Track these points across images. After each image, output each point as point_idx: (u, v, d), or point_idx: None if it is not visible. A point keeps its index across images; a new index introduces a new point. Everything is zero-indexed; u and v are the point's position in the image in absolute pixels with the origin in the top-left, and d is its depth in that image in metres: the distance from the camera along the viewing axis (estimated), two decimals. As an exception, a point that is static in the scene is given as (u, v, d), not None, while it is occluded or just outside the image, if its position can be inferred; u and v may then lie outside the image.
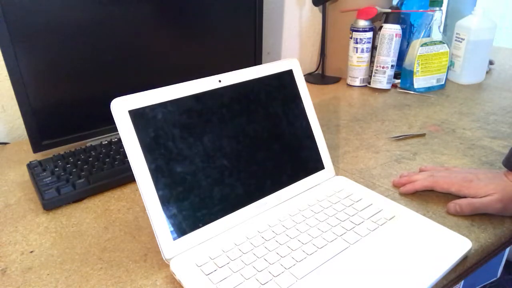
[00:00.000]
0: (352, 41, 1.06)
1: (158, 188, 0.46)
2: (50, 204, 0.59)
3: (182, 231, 0.47)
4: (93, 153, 0.69)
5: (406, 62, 1.04)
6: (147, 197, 0.46)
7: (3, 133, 0.85)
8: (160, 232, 0.46)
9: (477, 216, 0.54)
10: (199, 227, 0.49)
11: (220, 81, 0.53)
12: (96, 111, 0.73)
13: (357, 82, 1.09)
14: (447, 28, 1.19)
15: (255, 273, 0.44)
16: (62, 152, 0.69)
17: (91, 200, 0.61)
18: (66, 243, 0.52)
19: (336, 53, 1.15)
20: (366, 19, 1.03)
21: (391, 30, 1.00)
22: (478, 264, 0.50)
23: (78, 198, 0.61)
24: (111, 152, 0.69)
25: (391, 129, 0.83)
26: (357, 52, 1.06)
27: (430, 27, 1.01)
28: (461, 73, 1.08)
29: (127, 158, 0.65)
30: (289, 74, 0.59)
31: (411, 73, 1.02)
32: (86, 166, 0.65)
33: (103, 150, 0.69)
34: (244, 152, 0.53)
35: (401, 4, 1.10)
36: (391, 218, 0.52)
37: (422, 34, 1.01)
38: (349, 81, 1.11)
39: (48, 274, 0.47)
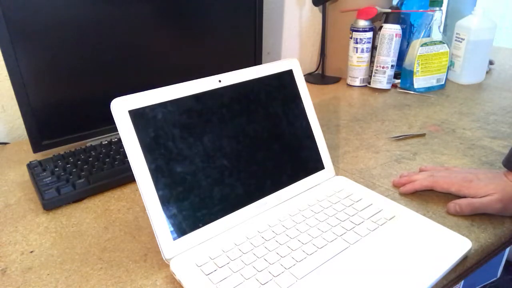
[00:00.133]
0: (352, 41, 1.06)
1: (158, 188, 0.46)
2: (50, 204, 0.59)
3: (182, 231, 0.47)
4: (93, 153, 0.69)
5: (406, 62, 1.04)
6: (147, 197, 0.46)
7: (3, 133, 0.85)
8: (160, 232, 0.46)
9: (477, 216, 0.54)
10: (199, 227, 0.49)
11: (220, 81, 0.53)
12: (96, 111, 0.73)
13: (357, 82, 1.09)
14: (447, 28, 1.19)
15: (255, 273, 0.44)
16: (62, 152, 0.69)
17: (91, 200, 0.61)
18: (66, 243, 0.52)
19: (336, 53, 1.15)
20: (366, 19, 1.03)
21: (391, 30, 1.00)
22: (478, 264, 0.50)
23: (78, 198, 0.61)
24: (111, 152, 0.69)
25: (391, 129, 0.83)
26: (357, 52, 1.06)
27: (430, 27, 1.01)
28: (461, 73, 1.08)
29: (127, 158, 0.65)
30: (289, 74, 0.59)
31: (411, 73, 1.02)
32: (86, 166, 0.65)
33: (103, 150, 0.69)
34: (244, 152, 0.53)
35: (401, 4, 1.10)
36: (391, 218, 0.52)
37: (422, 34, 1.01)
38: (349, 81, 1.11)
39: (48, 274, 0.47)
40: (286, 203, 0.56)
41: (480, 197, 0.54)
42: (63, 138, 0.72)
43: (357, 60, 1.07)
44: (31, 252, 0.51)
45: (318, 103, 0.98)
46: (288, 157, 0.57)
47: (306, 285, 0.43)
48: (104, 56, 0.71)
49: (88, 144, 0.72)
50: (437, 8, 0.98)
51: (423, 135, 0.79)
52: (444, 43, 1.01)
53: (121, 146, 0.71)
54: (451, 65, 1.09)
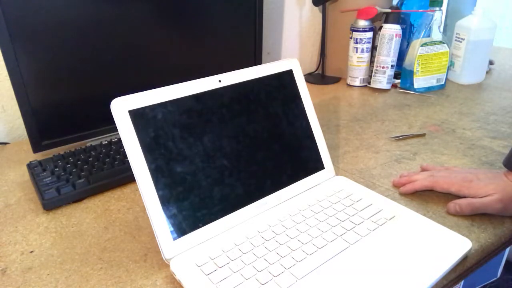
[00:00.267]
0: (352, 41, 1.06)
1: (158, 188, 0.46)
2: (50, 204, 0.59)
3: (182, 231, 0.47)
4: (93, 153, 0.69)
5: (406, 62, 1.04)
6: (147, 197, 0.46)
7: (3, 133, 0.85)
8: (160, 232, 0.46)
9: (477, 216, 0.54)
10: (199, 227, 0.49)
11: (220, 81, 0.53)
12: (96, 111, 0.73)
13: (357, 82, 1.09)
14: (447, 28, 1.19)
15: (255, 273, 0.44)
16: (62, 152, 0.69)
17: (91, 200, 0.61)
18: (66, 243, 0.52)
19: (336, 53, 1.15)
20: (366, 19, 1.03)
21: (391, 30, 1.00)
22: (478, 264, 0.50)
23: (78, 198, 0.61)
24: (111, 152, 0.69)
25: (391, 129, 0.83)
26: (357, 52, 1.06)
27: (430, 27, 1.01)
28: (461, 73, 1.08)
29: (127, 158, 0.65)
30: (289, 74, 0.59)
31: (411, 73, 1.02)
32: (86, 166, 0.65)
33: (103, 150, 0.69)
34: (244, 152, 0.53)
35: (401, 4, 1.10)
36: (391, 218, 0.52)
37: (422, 34, 1.01)
38: (349, 81, 1.11)
39: (48, 274, 0.47)
40: (286, 203, 0.56)
41: (480, 197, 0.54)
42: (63, 138, 0.72)
43: (357, 60, 1.07)
44: (31, 252, 0.51)
45: (318, 103, 0.98)
46: (288, 157, 0.57)
47: (306, 285, 0.43)
48: (104, 56, 0.71)
49: (88, 144, 0.72)
50: (437, 8, 0.98)
51: (423, 135, 0.79)
52: (444, 43, 1.01)
53: (121, 146, 0.71)
54: (451, 65, 1.09)
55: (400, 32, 1.01)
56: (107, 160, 0.66)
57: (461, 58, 1.06)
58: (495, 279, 1.24)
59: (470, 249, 0.48)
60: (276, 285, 0.43)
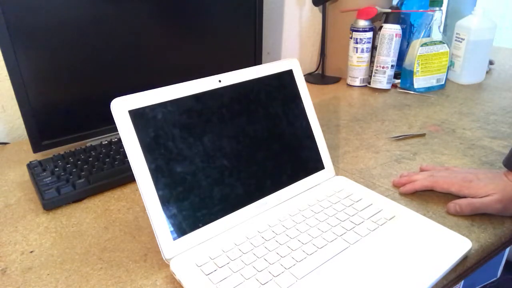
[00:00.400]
0: (352, 41, 1.06)
1: (158, 188, 0.46)
2: (50, 204, 0.59)
3: (182, 231, 0.47)
4: (93, 153, 0.69)
5: (406, 62, 1.04)
6: (147, 197, 0.46)
7: (3, 133, 0.85)
8: (160, 232, 0.46)
9: (477, 216, 0.54)
10: (199, 227, 0.49)
11: (220, 81, 0.53)
12: (96, 111, 0.73)
13: (357, 82, 1.09)
14: (447, 28, 1.19)
15: (255, 273, 0.44)
16: (62, 152, 0.69)
17: (91, 200, 0.61)
18: (66, 243, 0.52)
19: (336, 53, 1.15)
20: (366, 19, 1.03)
21: (391, 30, 1.00)
22: (478, 264, 0.50)
23: (78, 198, 0.61)
24: (111, 152, 0.69)
25: (391, 129, 0.83)
26: (357, 52, 1.06)
27: (430, 27, 1.01)
28: (461, 73, 1.08)
29: (127, 158, 0.65)
30: (289, 74, 0.59)
31: (411, 73, 1.02)
32: (86, 166, 0.65)
33: (103, 150, 0.69)
34: (244, 152, 0.53)
35: (401, 4, 1.10)
36: (391, 218, 0.52)
37: (422, 34, 1.01)
38: (349, 81, 1.11)
39: (48, 274, 0.47)
40: (286, 203, 0.56)
41: (480, 197, 0.54)
42: (63, 138, 0.72)
43: (357, 60, 1.07)
44: (31, 252, 0.51)
45: (318, 103, 0.98)
46: (288, 157, 0.57)
47: (306, 285, 0.43)
48: (104, 56, 0.71)
49: (88, 144, 0.72)
50: (437, 8, 0.98)
51: (423, 135, 0.79)
52: (444, 43, 1.01)
53: (121, 146, 0.71)
54: (451, 65, 1.09)
55: (400, 32, 1.01)
56: (107, 160, 0.66)
57: (461, 58, 1.06)
58: (495, 279, 1.24)
59: (470, 249, 0.48)
60: (276, 285, 0.43)
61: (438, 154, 0.72)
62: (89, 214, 0.58)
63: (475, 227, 0.53)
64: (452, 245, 0.48)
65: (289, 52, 1.21)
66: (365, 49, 1.05)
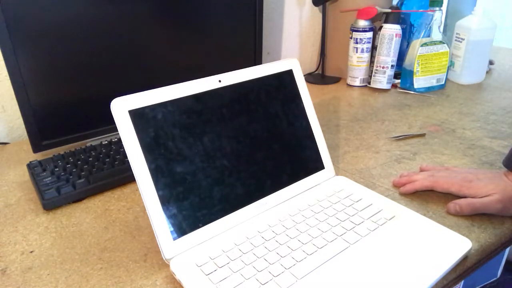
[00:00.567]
0: (352, 41, 1.06)
1: (158, 188, 0.46)
2: (50, 204, 0.59)
3: (182, 231, 0.47)
4: (93, 153, 0.69)
5: (406, 62, 1.04)
6: (147, 197, 0.46)
7: (3, 133, 0.85)
8: (160, 232, 0.46)
9: (477, 216, 0.54)
10: (199, 227, 0.49)
11: (220, 81, 0.53)
12: (96, 111, 0.73)
13: (357, 82, 1.09)
14: (447, 28, 1.19)
15: (255, 273, 0.44)
16: (62, 152, 0.69)
17: (91, 200, 0.61)
18: (66, 243, 0.52)
19: (336, 53, 1.15)
20: (366, 19, 1.03)
21: (391, 30, 1.00)
22: (478, 264, 0.50)
23: (78, 198, 0.61)
24: (111, 152, 0.69)
25: (391, 129, 0.83)
26: (357, 52, 1.06)
27: (430, 27, 1.01)
28: (461, 73, 1.08)
29: (127, 158, 0.65)
30: (289, 74, 0.59)
31: (411, 73, 1.02)
32: (86, 166, 0.65)
33: (103, 150, 0.69)
34: (244, 152, 0.53)
35: (401, 4, 1.10)
36: (391, 218, 0.52)
37: (422, 34, 1.01)
38: (349, 81, 1.11)
39: (48, 274, 0.47)
40: (286, 203, 0.56)
41: (480, 197, 0.54)
42: (63, 138, 0.72)
43: (357, 60, 1.07)
44: (31, 252, 0.51)
45: (318, 103, 0.98)
46: (288, 157, 0.57)
47: (306, 285, 0.43)
48: (104, 56, 0.71)
49: (88, 144, 0.72)
50: (437, 8, 0.98)
51: (423, 135, 0.79)
52: (444, 43, 1.01)
53: (121, 146, 0.71)
54: (451, 65, 1.09)
55: (400, 32, 1.01)
56: (107, 160, 0.66)
57: (461, 58, 1.06)
58: (495, 279, 1.24)
59: (470, 249, 0.48)
60: (276, 285, 0.43)
61: (438, 154, 0.72)
62: (89, 214, 0.58)
63: (475, 227, 0.53)
64: (452, 245, 0.48)
65: (289, 52, 1.21)
66: (365, 49, 1.05)
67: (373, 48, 1.05)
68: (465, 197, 0.55)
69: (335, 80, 1.15)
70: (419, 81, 1.03)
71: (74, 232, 0.55)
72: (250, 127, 0.54)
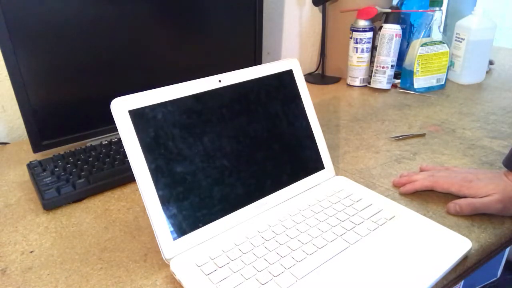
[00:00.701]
0: (352, 41, 1.06)
1: (158, 188, 0.46)
2: (50, 204, 0.59)
3: (182, 231, 0.47)
4: (93, 153, 0.69)
5: (406, 62, 1.04)
6: (147, 197, 0.46)
7: (3, 133, 0.85)
8: (160, 232, 0.46)
9: (477, 216, 0.54)
10: (199, 227, 0.49)
11: (220, 81, 0.53)
12: (96, 111, 0.73)
13: (357, 82, 1.09)
14: (447, 28, 1.19)
15: (255, 273, 0.44)
16: (62, 152, 0.69)
17: (91, 200, 0.61)
18: (66, 243, 0.52)
19: (336, 53, 1.15)
20: (366, 19, 1.03)
21: (391, 30, 1.00)
22: (478, 264, 0.50)
23: (78, 198, 0.61)
24: (111, 152, 0.69)
25: (391, 129, 0.83)
26: (357, 52, 1.06)
27: (430, 27, 1.01)
28: (461, 73, 1.08)
29: (127, 158, 0.65)
30: (289, 74, 0.59)
31: (411, 73, 1.02)
32: (86, 166, 0.65)
33: (103, 150, 0.69)
34: (244, 152, 0.53)
35: (401, 4, 1.10)
36: (391, 218, 0.52)
37: (422, 34, 1.01)
38: (349, 81, 1.11)
39: (48, 274, 0.47)
40: (286, 203, 0.56)
41: (480, 197, 0.54)
42: (63, 138, 0.72)
43: (357, 60, 1.07)
44: (31, 252, 0.51)
45: (318, 103, 0.98)
46: (288, 157, 0.57)
47: (306, 285, 0.43)
48: (104, 56, 0.71)
49: (88, 144, 0.72)
50: (437, 8, 0.98)
51: (423, 135, 0.79)
52: (444, 43, 1.01)
53: (121, 146, 0.71)
54: (451, 65, 1.09)
55: (400, 32, 1.01)
56: (107, 160, 0.66)
57: (461, 58, 1.06)
58: (495, 279, 1.24)
59: (470, 249, 0.48)
60: (276, 285, 0.43)
61: (438, 154, 0.72)
62: (89, 214, 0.58)
63: (475, 227, 0.53)
64: (452, 245, 0.48)
65: (289, 52, 1.21)
66: (365, 49, 1.05)
67: (373, 48, 1.05)
68: (465, 197, 0.55)
69: (335, 80, 1.15)
70: (419, 81, 1.03)
71: (74, 232, 0.55)
72: (250, 127, 0.54)
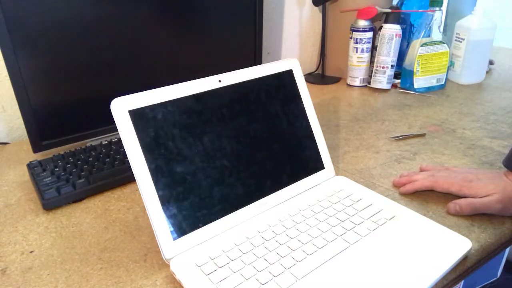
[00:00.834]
0: (352, 41, 1.06)
1: (158, 188, 0.46)
2: (50, 204, 0.59)
3: (182, 231, 0.47)
4: (93, 153, 0.69)
5: (406, 62, 1.04)
6: (147, 197, 0.46)
7: (3, 133, 0.85)
8: (160, 232, 0.46)
9: (477, 216, 0.54)
10: (199, 227, 0.49)
11: (220, 81, 0.53)
12: (96, 111, 0.73)
13: (357, 82, 1.09)
14: (447, 28, 1.19)
15: (255, 273, 0.44)
16: (62, 152, 0.69)
17: (91, 200, 0.61)
18: (66, 243, 0.52)
19: (336, 53, 1.15)
20: (366, 19, 1.03)
21: (391, 30, 1.00)
22: (478, 264, 0.50)
23: (78, 198, 0.61)
24: (111, 152, 0.69)
25: (391, 129, 0.83)
26: (357, 52, 1.06)
27: (430, 27, 1.01)
28: (461, 73, 1.08)
29: (127, 158, 0.65)
30: (289, 74, 0.59)
31: (411, 73, 1.02)
32: (86, 166, 0.65)
33: (103, 150, 0.69)
34: (244, 152, 0.53)
35: (401, 4, 1.10)
36: (391, 218, 0.52)
37: (422, 34, 1.01)
38: (349, 81, 1.11)
39: (48, 274, 0.47)
40: (286, 203, 0.56)
41: (480, 197, 0.54)
42: (63, 138, 0.72)
43: (357, 60, 1.07)
44: (31, 252, 0.51)
45: (318, 103, 0.98)
46: (288, 157, 0.57)
47: (306, 285, 0.43)
48: (104, 56, 0.71)
49: (88, 144, 0.72)
50: (437, 8, 0.98)
51: (423, 135, 0.79)
52: (444, 43, 1.01)
53: (121, 146, 0.71)
54: (451, 65, 1.09)
55: (400, 32, 1.01)
56: (107, 160, 0.66)
57: (461, 58, 1.06)
58: (495, 279, 1.24)
59: (470, 249, 0.48)
60: (276, 285, 0.43)
61: (438, 154, 0.72)
62: (89, 214, 0.58)
63: (475, 227, 0.53)
64: (452, 245, 0.48)
65: (289, 52, 1.21)
66: (365, 49, 1.05)
67: (373, 48, 1.05)
68: (465, 197, 0.55)
69: (335, 80, 1.15)
70: (419, 81, 1.03)
71: (74, 232, 0.55)
72: (250, 127, 0.54)
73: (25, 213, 0.59)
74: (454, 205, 0.55)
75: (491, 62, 1.21)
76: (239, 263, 0.45)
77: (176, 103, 0.49)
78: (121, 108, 0.46)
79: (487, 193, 0.54)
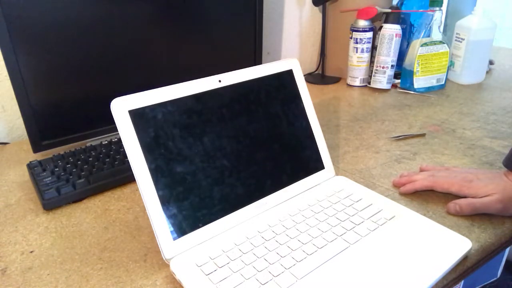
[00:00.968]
0: (352, 41, 1.06)
1: (158, 188, 0.46)
2: (50, 204, 0.59)
3: (182, 231, 0.47)
4: (93, 153, 0.69)
5: (406, 62, 1.04)
6: (147, 197, 0.46)
7: (3, 133, 0.85)
8: (160, 232, 0.46)
9: (477, 216, 0.54)
10: (199, 227, 0.49)
11: (220, 81, 0.53)
12: (96, 111, 0.73)
13: (357, 82, 1.09)
14: (447, 28, 1.19)
15: (255, 273, 0.44)
16: (62, 152, 0.69)
17: (91, 200, 0.61)
18: (66, 243, 0.52)
19: (336, 53, 1.15)
20: (366, 19, 1.03)
21: (391, 30, 1.00)
22: (478, 264, 0.50)
23: (78, 198, 0.61)
24: (111, 152, 0.69)
25: (391, 129, 0.83)
26: (357, 52, 1.06)
27: (430, 27, 1.01)
28: (461, 73, 1.08)
29: (127, 158, 0.65)
30: (289, 74, 0.59)
31: (411, 73, 1.02)
32: (86, 166, 0.65)
33: (103, 150, 0.69)
34: (244, 152, 0.53)
35: (401, 4, 1.10)
36: (391, 218, 0.52)
37: (422, 34, 1.01)
38: (349, 81, 1.11)
39: (48, 274, 0.47)
40: (286, 203, 0.56)
41: (480, 197, 0.54)
42: (63, 138, 0.72)
43: (357, 60, 1.07)
44: (31, 252, 0.51)
45: (318, 103, 0.98)
46: (288, 157, 0.57)
47: (306, 285, 0.43)
48: (104, 56, 0.71)
49: (88, 144, 0.72)
50: (437, 8, 0.98)
51: (423, 135, 0.79)
52: (444, 43, 1.01)
53: (121, 146, 0.71)
54: (451, 65, 1.09)
55: (400, 32, 1.01)
56: (107, 160, 0.66)
57: (461, 58, 1.06)
58: (495, 279, 1.24)
59: (470, 249, 0.48)
60: (276, 285, 0.43)
61: (438, 154, 0.72)
62: (89, 214, 0.58)
63: (475, 227, 0.53)
64: (452, 245, 0.48)
65: (289, 52, 1.21)
66: (365, 49, 1.05)
67: (373, 48, 1.05)
68: (465, 197, 0.55)
69: (335, 80, 1.15)
70: (419, 81, 1.03)
71: (74, 232, 0.55)
72: (250, 127, 0.54)
73: (25, 213, 0.59)
74: (454, 205, 0.55)
75: (491, 62, 1.21)
76: (239, 263, 0.45)
77: (176, 103, 0.49)
78: (121, 108, 0.46)
79: (487, 193, 0.54)
